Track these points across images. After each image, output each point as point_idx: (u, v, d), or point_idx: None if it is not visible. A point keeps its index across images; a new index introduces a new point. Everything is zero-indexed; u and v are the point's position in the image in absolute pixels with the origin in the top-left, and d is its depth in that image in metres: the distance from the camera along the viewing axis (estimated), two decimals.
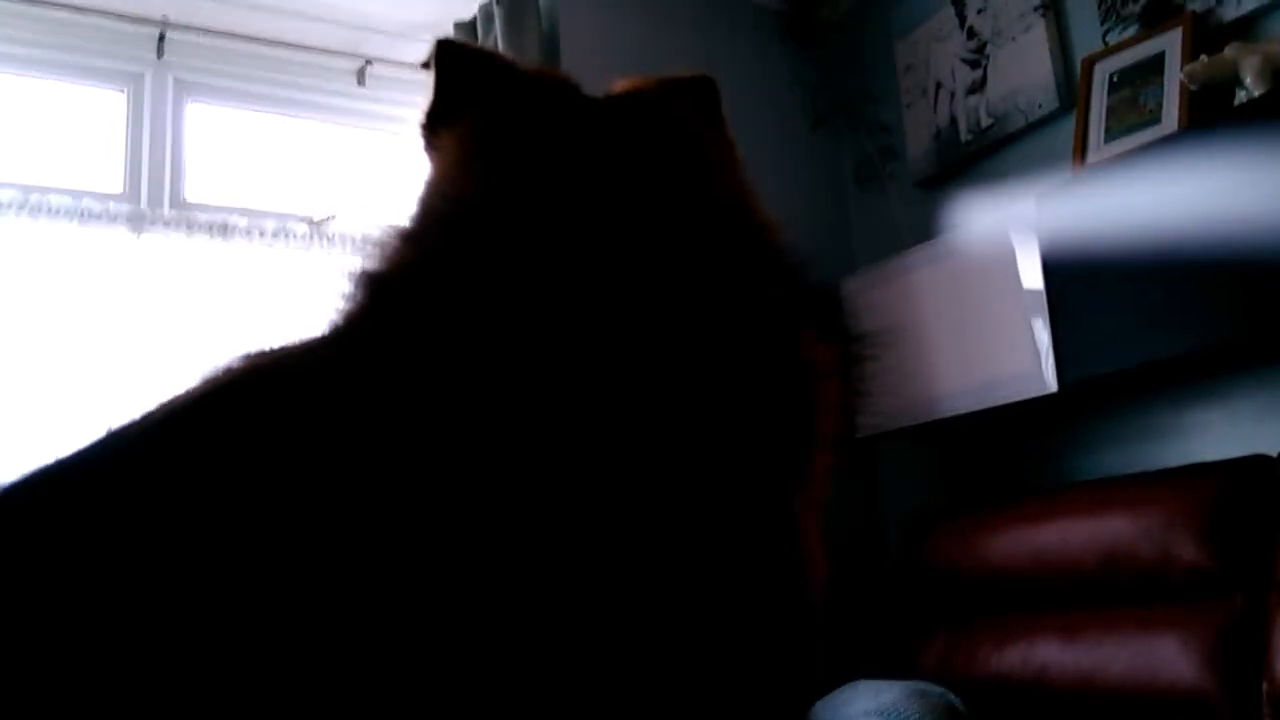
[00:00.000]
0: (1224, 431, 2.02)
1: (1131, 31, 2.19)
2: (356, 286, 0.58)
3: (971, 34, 2.56)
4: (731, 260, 0.60)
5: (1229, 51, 1.90)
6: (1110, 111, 2.17)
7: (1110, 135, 2.15)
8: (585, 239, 0.57)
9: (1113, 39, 2.23)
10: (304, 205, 2.57)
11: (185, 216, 2.39)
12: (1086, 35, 2.31)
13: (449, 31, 2.61)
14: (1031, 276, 2.12)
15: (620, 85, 0.72)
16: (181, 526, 0.51)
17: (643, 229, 0.58)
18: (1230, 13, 2.01)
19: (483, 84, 0.70)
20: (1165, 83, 2.06)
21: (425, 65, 0.71)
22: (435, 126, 0.70)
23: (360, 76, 2.67)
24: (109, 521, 0.52)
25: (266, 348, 0.59)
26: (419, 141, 0.71)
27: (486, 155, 0.64)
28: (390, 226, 0.61)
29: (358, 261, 0.59)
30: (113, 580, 0.50)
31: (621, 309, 0.55)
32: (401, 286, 0.58)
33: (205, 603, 0.49)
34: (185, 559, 0.50)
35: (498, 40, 2.47)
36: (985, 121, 2.52)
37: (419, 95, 0.73)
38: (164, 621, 0.49)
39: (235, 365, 0.59)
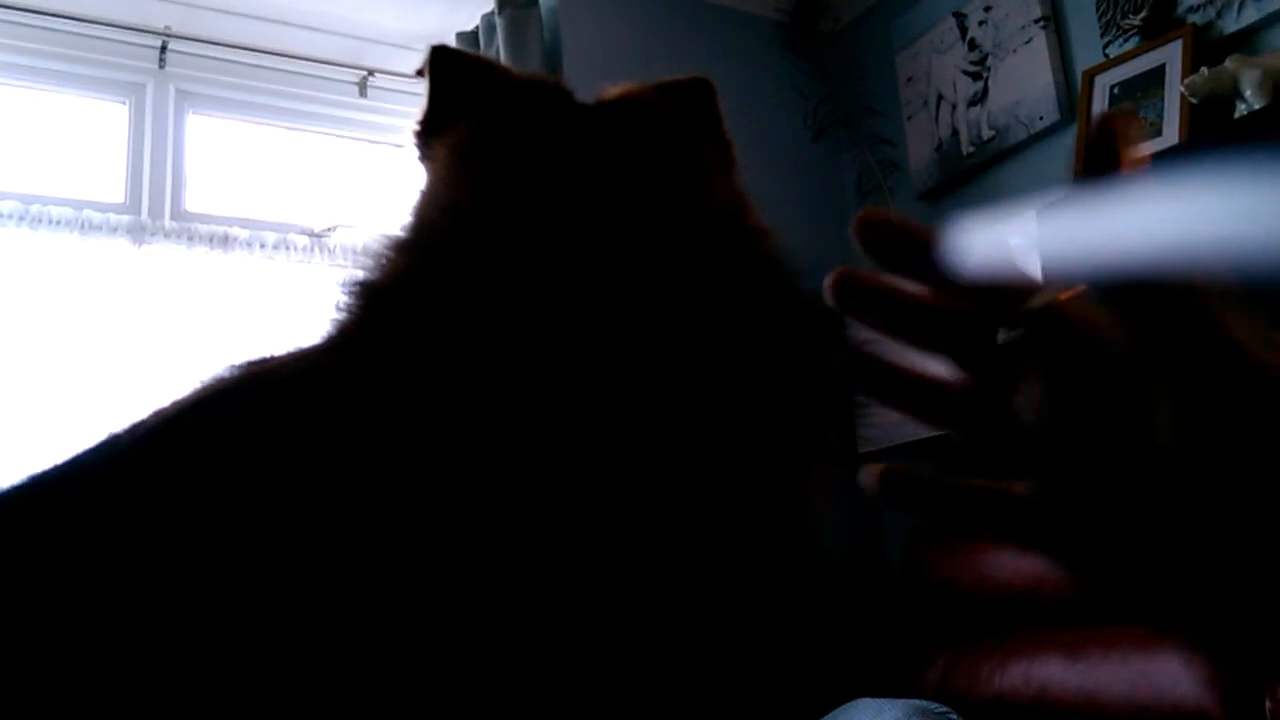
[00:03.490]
0: None
1: (1132, 44, 2.19)
2: (351, 296, 0.58)
3: (973, 46, 2.57)
4: (720, 266, 0.60)
5: (1230, 64, 1.90)
6: None
7: None
8: (577, 246, 0.57)
9: (1113, 51, 2.23)
10: (305, 217, 2.57)
11: (186, 228, 2.39)
12: (1087, 47, 2.32)
13: (451, 42, 2.62)
14: None
15: (613, 91, 0.72)
16: (177, 529, 0.51)
17: (633, 235, 0.58)
18: (1231, 25, 2.02)
19: (477, 91, 0.70)
20: (1166, 95, 2.06)
21: (420, 73, 0.72)
22: (429, 134, 0.69)
23: (362, 88, 2.68)
24: (105, 524, 0.52)
25: (261, 356, 0.59)
26: (414, 149, 0.70)
27: (480, 163, 0.64)
28: (385, 236, 0.61)
29: (353, 271, 0.59)
30: (108, 582, 0.50)
31: (613, 315, 0.55)
32: (397, 295, 0.58)
33: (202, 604, 0.49)
34: (181, 560, 0.50)
35: (500, 51, 2.47)
36: (987, 134, 2.52)
37: (420, 105, 0.72)
38: (161, 623, 0.49)
39: (229, 372, 0.58)
